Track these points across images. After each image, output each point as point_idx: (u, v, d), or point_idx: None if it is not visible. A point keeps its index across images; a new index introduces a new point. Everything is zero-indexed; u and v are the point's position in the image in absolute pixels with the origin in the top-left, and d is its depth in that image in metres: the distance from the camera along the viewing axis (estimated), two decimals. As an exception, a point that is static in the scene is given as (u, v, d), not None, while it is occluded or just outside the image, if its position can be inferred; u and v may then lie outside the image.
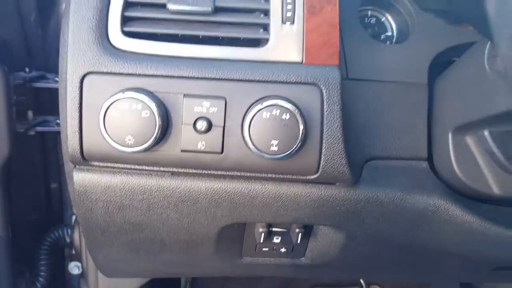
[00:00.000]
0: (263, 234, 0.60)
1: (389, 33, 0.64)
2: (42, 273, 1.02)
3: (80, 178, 0.53)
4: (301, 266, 0.67)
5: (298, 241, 0.61)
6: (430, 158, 0.57)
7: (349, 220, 0.57)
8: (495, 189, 0.54)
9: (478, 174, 0.54)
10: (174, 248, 0.61)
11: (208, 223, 0.56)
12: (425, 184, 0.56)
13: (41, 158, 0.96)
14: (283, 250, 0.64)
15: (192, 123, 0.49)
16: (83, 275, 1.06)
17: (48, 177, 1.00)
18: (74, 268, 1.10)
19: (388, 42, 0.63)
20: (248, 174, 0.52)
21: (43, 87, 0.86)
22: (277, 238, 0.63)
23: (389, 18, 0.63)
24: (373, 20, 0.64)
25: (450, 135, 0.55)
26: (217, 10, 0.51)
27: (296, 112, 0.48)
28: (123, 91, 0.47)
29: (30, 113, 0.89)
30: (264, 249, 0.64)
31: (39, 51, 0.85)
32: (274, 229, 0.62)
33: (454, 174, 0.55)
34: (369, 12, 0.64)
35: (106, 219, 0.56)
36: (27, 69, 0.84)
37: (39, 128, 0.89)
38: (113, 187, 0.53)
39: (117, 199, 0.54)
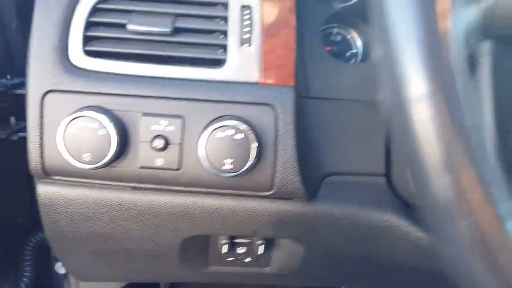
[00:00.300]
0: (225, 245, 0.62)
1: (355, 51, 0.65)
2: (27, 273, 1.04)
3: (44, 191, 0.55)
4: (268, 275, 0.69)
5: (260, 253, 0.62)
6: (388, 174, 0.59)
7: (306, 234, 0.59)
8: None
9: None
10: (139, 258, 0.63)
11: (170, 235, 0.58)
12: (381, 200, 0.58)
13: (25, 162, 0.99)
14: (247, 260, 0.66)
15: (150, 140, 0.50)
16: (66, 276, 1.09)
17: (31, 181, 1.02)
18: (61, 268, 1.13)
19: (353, 59, 0.65)
20: (206, 190, 0.54)
21: (24, 93, 0.88)
22: (240, 249, 0.64)
23: (354, 35, 0.65)
24: (339, 38, 0.65)
25: None
26: (177, 30, 0.53)
27: (249, 132, 0.50)
28: (81, 109, 0.49)
29: (12, 119, 0.91)
30: (229, 258, 0.65)
31: (20, 59, 0.86)
32: (237, 240, 0.64)
33: (409, 191, 0.57)
34: (335, 30, 0.65)
35: (71, 230, 0.58)
36: (8, 76, 0.86)
37: (21, 134, 0.91)
38: (76, 200, 0.55)
39: (81, 211, 0.55)
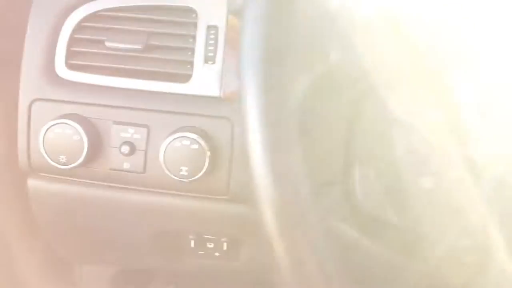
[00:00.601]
0: (193, 241, 0.68)
1: None
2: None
3: (32, 185, 0.63)
4: (240, 270, 0.75)
5: (225, 249, 0.68)
6: (345, 183, 0.63)
7: (263, 236, 0.64)
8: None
9: (380, 201, 0.59)
10: (118, 248, 0.70)
11: (141, 229, 0.65)
12: (333, 208, 0.62)
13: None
14: (217, 254, 0.72)
15: (118, 146, 0.57)
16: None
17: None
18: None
19: None
20: (168, 192, 0.60)
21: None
22: (210, 244, 0.71)
23: None
24: None
25: (357, 164, 0.60)
26: (150, 47, 0.59)
27: (204, 143, 0.55)
28: (60, 117, 0.56)
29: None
30: (199, 252, 0.72)
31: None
32: (205, 236, 0.70)
33: (358, 200, 0.61)
34: None
35: (57, 219, 0.66)
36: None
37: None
38: (59, 194, 0.63)
39: (63, 203, 0.63)
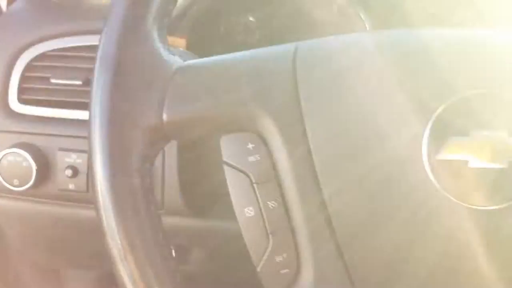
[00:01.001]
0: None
1: None
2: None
3: None
4: (194, 272, 0.83)
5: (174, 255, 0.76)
6: None
7: (203, 243, 0.72)
8: None
9: None
10: (84, 256, 0.79)
11: (99, 239, 0.73)
12: None
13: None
14: None
15: (64, 170, 0.66)
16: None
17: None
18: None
19: None
20: None
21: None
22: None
23: None
24: None
25: None
26: (89, 82, 0.66)
27: None
28: (12, 146, 0.65)
29: None
30: None
31: None
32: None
33: None
34: None
35: (19, 231, 0.75)
36: None
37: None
38: (21, 211, 0.72)
39: (27, 219, 0.72)
